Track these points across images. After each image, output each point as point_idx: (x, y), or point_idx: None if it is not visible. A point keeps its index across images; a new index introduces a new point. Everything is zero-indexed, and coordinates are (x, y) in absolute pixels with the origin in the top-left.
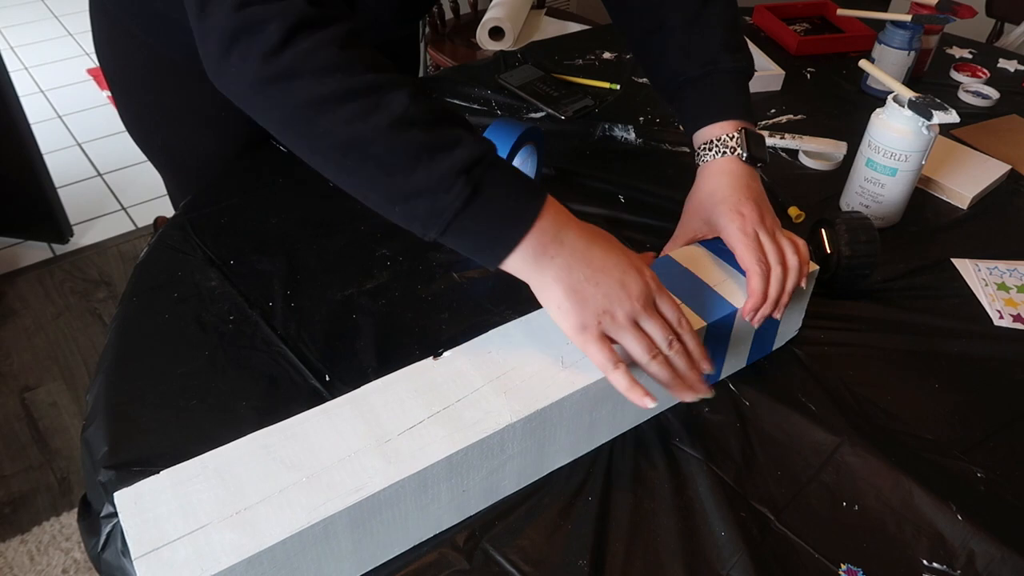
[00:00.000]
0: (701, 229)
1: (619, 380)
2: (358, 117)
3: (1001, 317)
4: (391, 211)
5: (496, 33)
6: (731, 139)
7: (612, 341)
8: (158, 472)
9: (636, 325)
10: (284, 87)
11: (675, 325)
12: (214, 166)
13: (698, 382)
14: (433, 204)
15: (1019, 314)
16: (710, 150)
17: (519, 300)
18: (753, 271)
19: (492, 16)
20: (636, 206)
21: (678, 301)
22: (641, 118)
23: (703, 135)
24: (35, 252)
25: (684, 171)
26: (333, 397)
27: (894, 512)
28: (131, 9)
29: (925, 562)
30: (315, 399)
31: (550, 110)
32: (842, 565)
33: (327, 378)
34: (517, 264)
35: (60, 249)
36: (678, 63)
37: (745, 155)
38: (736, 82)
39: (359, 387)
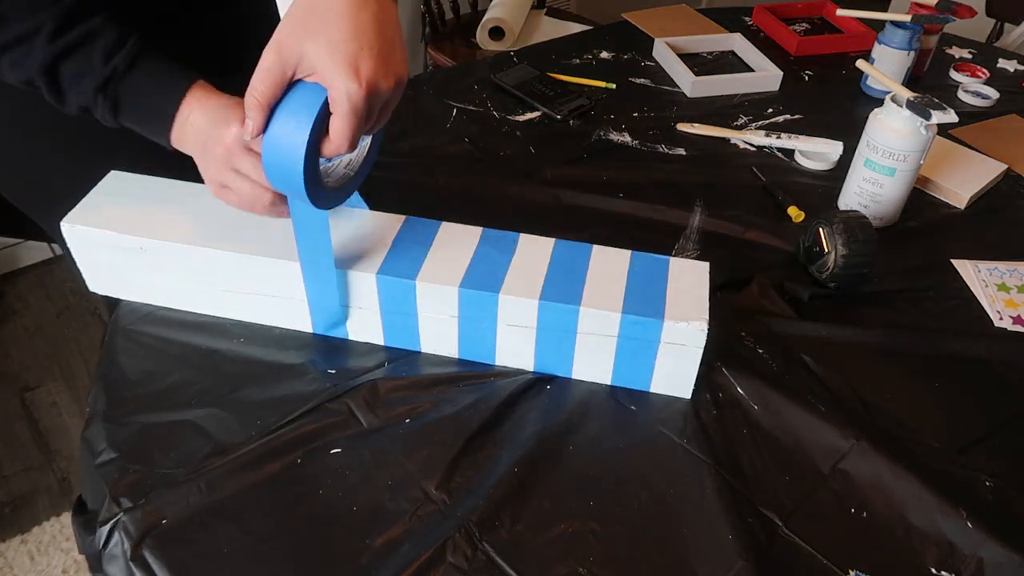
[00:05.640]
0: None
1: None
2: (19, 67)
3: (1001, 318)
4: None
5: (496, 33)
6: None
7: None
8: (157, 473)
9: (225, 186)
10: None
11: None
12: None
13: (269, 205)
14: (96, 114)
15: (1019, 315)
16: None
17: None
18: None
19: (492, 16)
20: (634, 207)
21: None
22: (635, 114)
23: None
24: (35, 252)
25: (681, 171)
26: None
27: (903, 518)
28: None
29: (934, 570)
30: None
31: (546, 109)
32: (850, 572)
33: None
34: (175, 144)
35: (60, 249)
36: None
37: None
38: None
39: None
